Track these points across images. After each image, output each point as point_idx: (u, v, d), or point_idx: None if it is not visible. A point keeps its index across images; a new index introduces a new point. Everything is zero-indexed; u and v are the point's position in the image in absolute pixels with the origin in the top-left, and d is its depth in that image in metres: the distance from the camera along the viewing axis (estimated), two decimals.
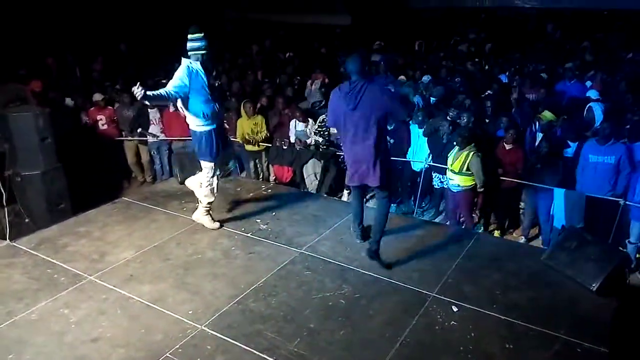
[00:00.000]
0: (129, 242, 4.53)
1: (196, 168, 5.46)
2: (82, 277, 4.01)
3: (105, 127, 7.50)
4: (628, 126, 5.91)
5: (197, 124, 4.36)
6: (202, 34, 4.24)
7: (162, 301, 3.69)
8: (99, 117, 7.44)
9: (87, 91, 8.13)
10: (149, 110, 7.52)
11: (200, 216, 4.71)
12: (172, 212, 5.09)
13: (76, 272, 4.08)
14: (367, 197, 5.72)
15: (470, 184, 5.60)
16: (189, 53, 4.26)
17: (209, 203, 4.67)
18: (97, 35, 10.86)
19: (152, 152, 7.63)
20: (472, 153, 5.47)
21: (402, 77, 8.63)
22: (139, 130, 7.43)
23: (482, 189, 5.59)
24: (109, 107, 7.61)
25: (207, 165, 4.52)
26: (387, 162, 3.99)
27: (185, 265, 4.14)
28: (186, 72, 4.16)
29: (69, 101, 7.76)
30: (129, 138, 7.49)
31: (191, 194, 5.10)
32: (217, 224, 4.73)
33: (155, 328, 3.41)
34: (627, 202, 5.19)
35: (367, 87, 3.76)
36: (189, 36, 4.25)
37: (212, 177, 4.56)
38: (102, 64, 9.86)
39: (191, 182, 4.76)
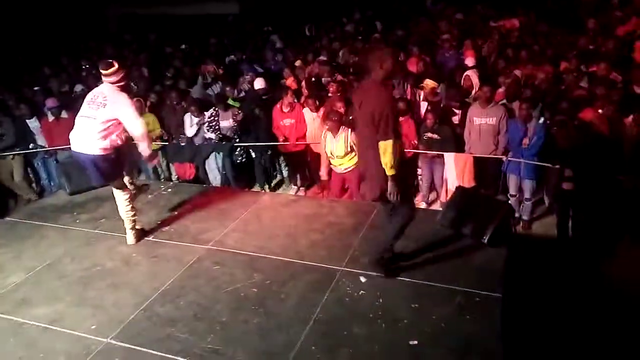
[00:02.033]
0: (17, 265, 4.17)
1: (84, 177, 5.14)
2: None
3: None
4: (502, 88, 6.42)
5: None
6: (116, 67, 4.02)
7: (60, 321, 3.45)
8: None
9: None
10: (27, 120, 6.94)
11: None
12: (64, 226, 4.75)
13: None
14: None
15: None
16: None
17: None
18: None
19: (36, 166, 7.04)
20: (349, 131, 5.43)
21: (298, 62, 8.65)
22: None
23: None
24: None
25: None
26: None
27: (84, 280, 3.89)
28: None
29: None
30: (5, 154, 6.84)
31: (82, 205, 4.80)
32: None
33: (55, 351, 3.18)
34: (508, 159, 5.66)
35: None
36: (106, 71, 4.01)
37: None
38: None
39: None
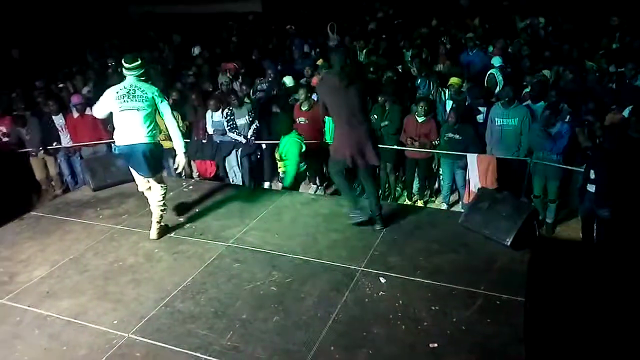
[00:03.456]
0: (42, 258, 4.25)
1: (108, 173, 5.22)
2: None
3: (7, 139, 6.95)
4: (528, 89, 6.30)
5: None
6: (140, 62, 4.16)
7: (83, 315, 3.50)
8: None
9: None
10: (53, 116, 7.07)
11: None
12: (88, 222, 4.82)
13: None
14: None
15: None
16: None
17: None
18: None
19: (60, 162, 7.18)
20: None
21: (320, 60, 8.66)
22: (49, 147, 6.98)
23: None
24: (7, 117, 7.04)
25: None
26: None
27: (106, 275, 3.95)
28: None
29: None
30: (36, 150, 6.99)
31: (106, 200, 4.86)
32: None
33: (78, 344, 3.23)
34: (534, 161, 5.55)
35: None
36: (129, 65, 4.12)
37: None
38: None
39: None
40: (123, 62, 4.14)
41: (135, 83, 4.12)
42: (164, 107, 4.22)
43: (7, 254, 4.36)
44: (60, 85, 8.46)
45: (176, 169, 4.48)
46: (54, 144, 7.04)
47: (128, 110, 4.10)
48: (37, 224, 4.90)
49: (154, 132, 4.20)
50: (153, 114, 4.19)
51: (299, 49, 9.89)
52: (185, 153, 4.33)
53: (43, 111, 7.15)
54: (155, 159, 4.26)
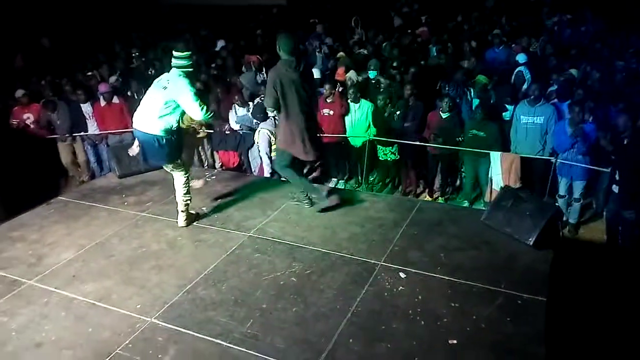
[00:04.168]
0: (69, 242, 4.35)
1: (134, 161, 5.30)
2: (21, 283, 3.83)
3: (35, 126, 7.12)
4: (555, 87, 6.20)
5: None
6: (189, 53, 4.16)
7: (108, 298, 3.58)
8: (25, 117, 7.04)
9: (10, 91, 7.68)
10: (81, 105, 7.22)
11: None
12: (113, 208, 4.92)
13: (13, 278, 3.89)
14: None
15: None
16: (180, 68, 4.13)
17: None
18: (15, 32, 10.23)
19: (86, 149, 7.33)
20: None
21: (341, 53, 8.68)
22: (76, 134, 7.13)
23: None
24: (35, 104, 7.21)
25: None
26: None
27: (130, 260, 4.03)
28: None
29: None
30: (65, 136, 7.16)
31: (131, 188, 4.94)
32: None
33: (102, 326, 3.31)
34: (559, 161, 5.47)
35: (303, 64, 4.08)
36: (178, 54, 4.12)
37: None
38: (22, 61, 9.33)
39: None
40: (173, 52, 4.15)
41: (171, 72, 4.13)
42: (186, 100, 4.05)
43: (36, 237, 4.48)
44: (89, 74, 8.62)
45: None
46: (81, 131, 7.19)
47: (148, 96, 4.14)
48: (65, 208, 5.02)
49: (164, 124, 4.08)
50: (170, 106, 4.07)
51: (315, 42, 9.88)
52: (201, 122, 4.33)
53: (70, 99, 7.30)
54: (153, 150, 4.17)
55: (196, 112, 4.10)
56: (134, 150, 4.51)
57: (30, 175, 6.31)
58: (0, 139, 6.20)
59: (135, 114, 4.22)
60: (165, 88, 4.07)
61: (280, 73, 4.13)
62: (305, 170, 5.14)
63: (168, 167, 4.39)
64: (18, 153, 6.47)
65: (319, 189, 4.66)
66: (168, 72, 4.19)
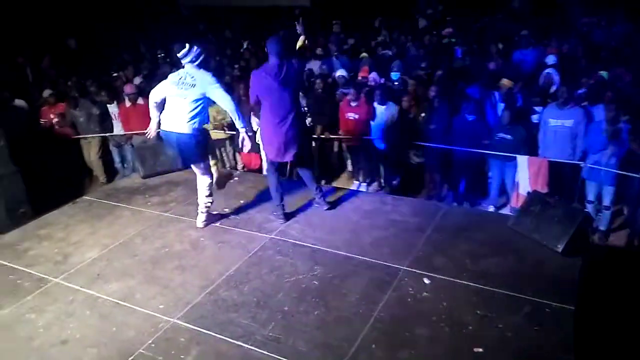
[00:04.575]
0: (94, 241, 4.42)
1: (158, 162, 5.35)
2: (47, 280, 3.90)
3: (60, 125, 7.23)
4: (584, 89, 6.04)
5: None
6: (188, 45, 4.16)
7: (131, 298, 3.62)
8: (52, 116, 7.16)
9: (39, 91, 7.84)
10: (108, 105, 7.31)
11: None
12: (137, 208, 4.98)
13: (40, 275, 3.97)
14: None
15: None
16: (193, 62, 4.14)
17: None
18: (43, 33, 10.44)
19: (111, 149, 7.43)
20: None
21: (364, 54, 8.63)
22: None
23: None
24: (60, 104, 7.33)
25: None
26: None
27: (153, 260, 4.06)
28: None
29: (20, 102, 7.43)
30: (89, 136, 7.26)
31: (155, 188, 4.98)
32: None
33: (126, 325, 3.34)
34: (588, 165, 5.32)
35: (288, 66, 4.11)
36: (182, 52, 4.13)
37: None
38: (50, 62, 9.52)
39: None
40: (177, 55, 4.18)
41: (189, 70, 4.12)
42: (215, 91, 4.07)
43: (62, 235, 4.56)
44: (115, 75, 8.74)
45: (241, 148, 4.42)
46: (105, 131, 7.28)
47: (176, 97, 4.13)
48: (89, 208, 5.10)
49: (196, 121, 4.11)
50: (201, 104, 4.11)
51: (335, 43, 9.83)
52: (244, 129, 4.17)
53: (95, 99, 7.41)
54: (190, 150, 4.18)
55: (226, 100, 4.11)
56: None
57: (56, 174, 6.41)
58: (30, 139, 6.31)
59: (164, 116, 4.23)
60: (193, 86, 4.08)
61: (260, 77, 4.17)
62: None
63: (199, 168, 4.37)
64: (46, 152, 6.58)
65: (280, 207, 4.56)
66: (177, 71, 4.22)
